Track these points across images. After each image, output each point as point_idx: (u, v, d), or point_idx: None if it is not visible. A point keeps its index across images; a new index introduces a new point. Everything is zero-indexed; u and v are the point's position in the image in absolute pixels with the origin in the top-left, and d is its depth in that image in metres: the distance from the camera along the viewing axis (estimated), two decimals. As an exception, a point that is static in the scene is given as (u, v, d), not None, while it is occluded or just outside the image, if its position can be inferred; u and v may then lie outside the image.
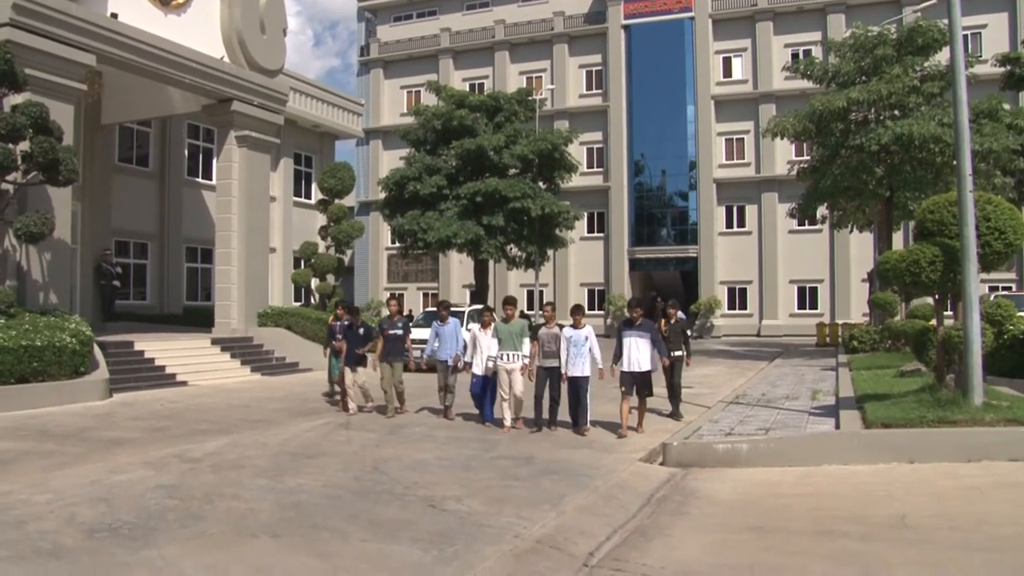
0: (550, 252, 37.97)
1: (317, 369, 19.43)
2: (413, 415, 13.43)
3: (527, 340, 11.96)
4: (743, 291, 49.21)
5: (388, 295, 14.19)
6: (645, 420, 11.82)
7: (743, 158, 49.57)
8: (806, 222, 35.95)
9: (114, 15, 18.89)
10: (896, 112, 25.43)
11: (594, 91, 52.70)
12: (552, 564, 5.88)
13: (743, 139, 49.56)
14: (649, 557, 6.13)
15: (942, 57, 25.53)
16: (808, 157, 30.66)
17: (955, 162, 10.86)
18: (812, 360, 25.40)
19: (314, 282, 26.01)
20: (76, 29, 17.22)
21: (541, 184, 34.53)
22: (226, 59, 21.86)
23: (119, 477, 8.45)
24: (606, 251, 51.25)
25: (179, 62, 19.98)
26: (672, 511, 7.61)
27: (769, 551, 6.24)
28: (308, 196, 32.13)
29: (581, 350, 11.42)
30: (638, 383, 11.40)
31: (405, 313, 41.38)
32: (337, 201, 26.26)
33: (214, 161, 25.66)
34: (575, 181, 41.19)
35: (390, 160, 52.27)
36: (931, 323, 13.88)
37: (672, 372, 13.00)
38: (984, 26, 43.62)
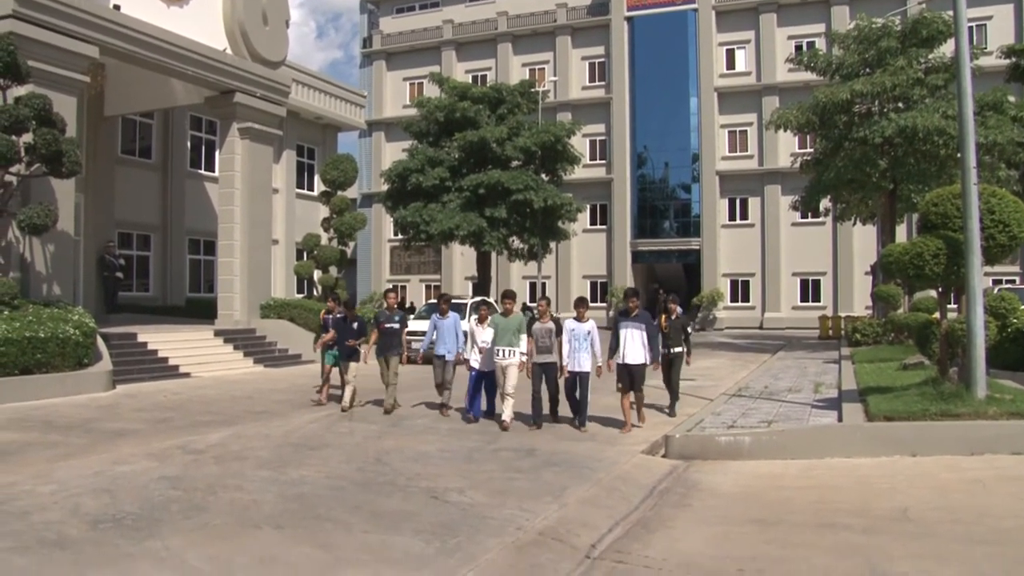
0: (552, 244, 37.96)
1: (320, 361, 19.41)
2: (410, 408, 13.29)
3: (524, 336, 11.60)
4: (746, 284, 49.17)
5: (387, 288, 14.08)
6: (644, 413, 11.63)
7: (746, 150, 49.46)
8: (809, 215, 35.92)
9: (116, 7, 18.86)
10: (900, 104, 25.37)
11: (597, 83, 52.59)
12: (554, 556, 5.90)
13: (746, 131, 49.44)
14: (651, 549, 6.14)
15: (947, 49, 25.39)
16: (811, 149, 30.61)
17: (959, 155, 10.84)
18: (815, 353, 25.40)
19: (317, 274, 26.01)
20: (79, 21, 17.20)
21: (544, 176, 34.44)
22: (229, 51, 21.82)
23: (123, 468, 8.47)
24: (609, 243, 51.22)
25: (182, 54, 19.96)
26: (674, 503, 7.62)
27: (771, 543, 6.25)
28: (311, 188, 32.08)
29: (583, 344, 11.15)
30: (633, 375, 11.08)
31: (407, 306, 41.61)
32: (340, 193, 26.21)
33: (217, 153, 25.65)
34: (578, 173, 41.13)
35: (393, 152, 52.20)
36: (934, 316, 13.90)
37: (671, 369, 12.84)
38: (989, 17, 43.47)
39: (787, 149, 45.45)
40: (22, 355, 14.02)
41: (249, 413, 12.77)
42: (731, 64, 49.99)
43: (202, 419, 12.09)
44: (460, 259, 51.74)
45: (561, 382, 11.54)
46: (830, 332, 35.34)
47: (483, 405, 12.30)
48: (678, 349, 12.92)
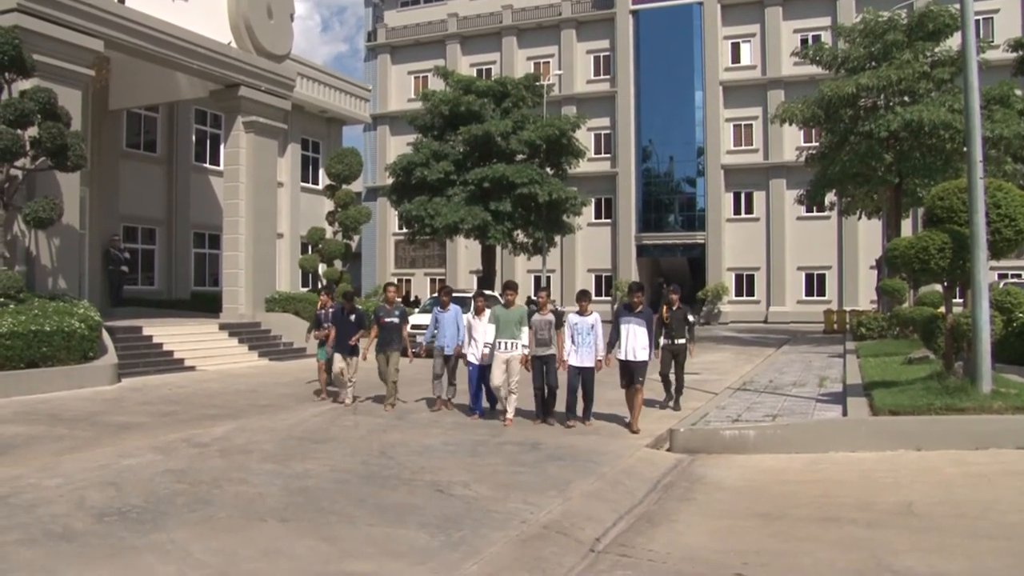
0: (557, 238, 37.93)
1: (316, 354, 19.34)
2: (413, 404, 13.04)
3: (526, 329, 11.32)
4: (751, 278, 49.13)
5: (386, 281, 13.99)
6: (642, 412, 10.98)
7: (751, 144, 49.37)
8: (814, 209, 35.95)
9: (121, 0, 18.87)
10: (906, 98, 25.28)
11: (602, 77, 52.51)
12: (558, 549, 5.90)
13: (751, 125, 49.35)
14: (655, 543, 6.15)
15: (953, 42, 25.31)
16: (817, 143, 30.56)
17: (965, 149, 10.80)
18: (819, 347, 25.37)
19: (321, 267, 26.03)
20: (83, 14, 17.21)
21: (548, 170, 34.44)
22: (233, 44, 21.82)
23: (128, 461, 8.50)
24: (613, 237, 51.17)
25: (186, 48, 19.95)
26: (679, 497, 7.62)
27: (775, 537, 6.25)
28: (315, 182, 32.10)
29: (586, 339, 10.89)
30: (633, 372, 10.72)
31: (412, 299, 41.61)
32: (344, 187, 26.23)
33: (221, 147, 25.66)
34: (582, 167, 41.08)
35: (397, 146, 52.23)
36: (940, 310, 13.84)
37: (675, 361, 12.75)
38: (996, 11, 43.28)
39: (792, 143, 45.34)
40: (28, 348, 14.06)
41: (254, 406, 12.79)
42: (736, 58, 49.88)
43: (207, 412, 12.11)
44: (465, 253, 51.76)
45: (562, 378, 11.13)
46: (835, 326, 35.27)
47: (484, 401, 12.12)
48: (681, 341, 12.76)
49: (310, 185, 31.95)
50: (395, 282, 14.46)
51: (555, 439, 10.04)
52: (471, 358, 11.96)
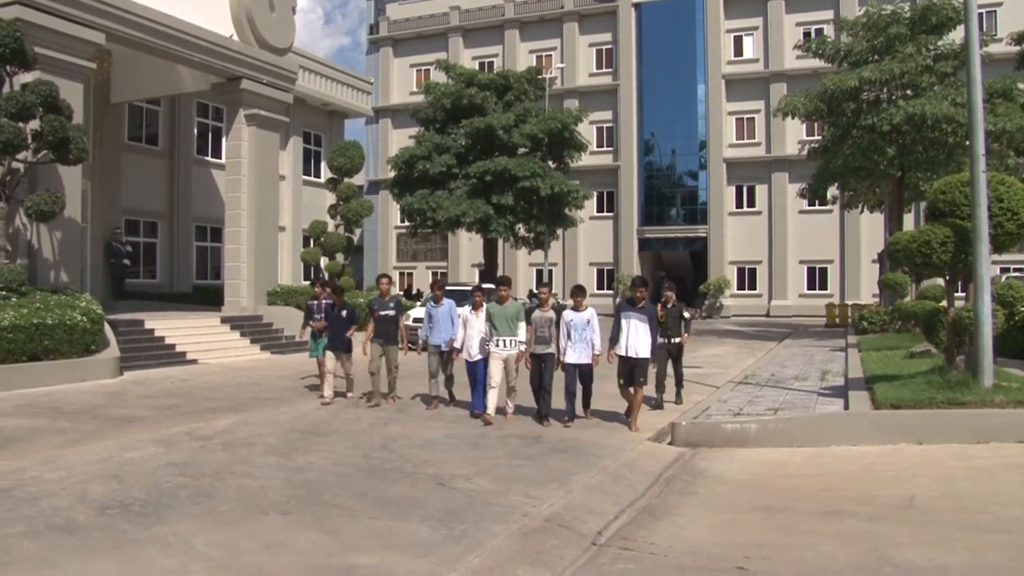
0: (559, 231, 37.93)
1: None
2: (408, 400, 12.66)
3: (523, 324, 10.95)
4: (752, 271, 49.08)
5: (380, 273, 13.86)
6: (639, 412, 10.63)
7: (753, 138, 49.27)
8: (816, 202, 35.82)
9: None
10: (909, 92, 25.24)
11: (604, 70, 52.38)
12: (560, 543, 5.91)
13: (754, 118, 49.24)
14: (657, 536, 6.15)
15: (956, 36, 25.26)
16: (819, 137, 30.48)
17: (968, 142, 10.78)
18: (821, 341, 25.37)
19: (323, 261, 26.04)
20: (85, 7, 17.19)
21: (550, 163, 34.42)
22: (235, 37, 21.79)
23: (130, 454, 8.51)
24: (615, 231, 51.11)
25: (188, 40, 19.93)
26: (680, 490, 7.63)
27: (777, 531, 6.25)
28: (317, 175, 32.08)
29: (583, 335, 10.56)
30: (634, 370, 10.33)
31: (414, 293, 41.61)
32: (346, 180, 26.21)
33: (223, 140, 25.66)
34: (584, 160, 41.03)
35: (399, 139, 52.19)
36: (941, 304, 13.84)
37: (672, 359, 12.57)
38: (999, 4, 43.09)
39: (795, 136, 45.23)
40: (30, 342, 14.07)
41: (256, 400, 12.80)
42: (739, 51, 49.75)
43: (209, 406, 12.13)
44: (467, 246, 51.74)
45: (559, 376, 10.77)
46: (837, 320, 35.27)
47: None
48: (677, 340, 12.56)
49: (312, 178, 31.92)
50: (388, 273, 13.77)
51: (557, 433, 10.05)
52: (465, 355, 11.49)
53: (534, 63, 46.16)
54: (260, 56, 22.25)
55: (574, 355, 10.63)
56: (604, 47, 52.44)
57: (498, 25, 54.74)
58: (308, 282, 27.20)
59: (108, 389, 13.91)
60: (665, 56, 50.06)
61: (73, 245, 17.61)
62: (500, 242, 36.27)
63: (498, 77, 34.83)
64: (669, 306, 12.50)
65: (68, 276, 17.27)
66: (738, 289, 49.19)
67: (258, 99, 22.38)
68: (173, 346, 18.34)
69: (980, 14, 32.00)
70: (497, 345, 10.92)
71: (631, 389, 10.40)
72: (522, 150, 33.39)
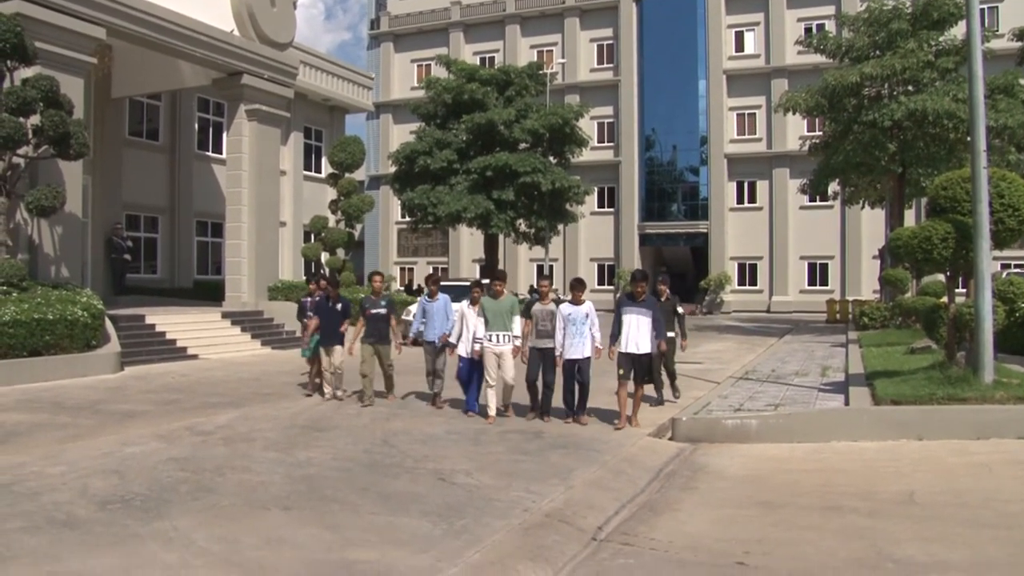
0: (560, 227, 37.90)
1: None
2: (400, 400, 12.28)
3: (518, 319, 10.73)
4: (753, 267, 49.07)
5: (372, 270, 13.66)
6: (639, 413, 10.43)
7: (755, 133, 49.24)
8: (817, 198, 35.79)
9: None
10: (910, 87, 25.21)
11: (605, 65, 52.33)
12: (561, 538, 5.91)
13: (755, 114, 49.20)
14: (658, 531, 6.16)
15: (958, 31, 25.20)
16: (820, 133, 30.46)
17: (969, 138, 10.77)
18: (822, 336, 25.37)
19: (324, 256, 26.04)
20: (85, 2, 17.14)
21: (551, 159, 34.40)
22: (236, 32, 21.76)
23: (131, 449, 8.52)
24: (616, 226, 51.10)
25: (189, 35, 19.91)
26: (681, 486, 7.63)
27: (777, 526, 6.26)
28: (318, 170, 32.06)
29: (581, 329, 10.24)
30: (636, 366, 10.05)
31: (415, 288, 41.56)
32: (347, 175, 26.21)
33: (224, 135, 25.63)
34: (585, 156, 41.02)
35: (400, 134, 52.12)
36: (942, 300, 13.86)
37: (666, 357, 11.98)
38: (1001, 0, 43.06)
39: (796, 132, 45.17)
40: (31, 337, 14.08)
41: (257, 395, 12.81)
42: (740, 46, 49.68)
43: (210, 401, 12.13)
44: (468, 242, 51.75)
45: (558, 370, 10.52)
46: (837, 316, 35.25)
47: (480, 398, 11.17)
48: (671, 334, 12.09)
49: (313, 173, 31.92)
50: (380, 271, 13.36)
51: (557, 428, 10.06)
52: (461, 351, 11.16)
53: (535, 58, 46.15)
54: (261, 51, 22.22)
55: (572, 350, 10.31)
56: (605, 42, 52.38)
57: (499, 20, 54.68)
58: (304, 279, 27.21)
59: (109, 384, 13.92)
60: (666, 51, 50.01)
61: (74, 240, 17.61)
62: (501, 238, 36.24)
63: (499, 72, 34.80)
64: (663, 300, 12.05)
65: (69, 271, 17.27)
66: (739, 285, 49.19)
67: (259, 94, 22.35)
68: (174, 341, 18.35)
69: (982, 9, 31.92)
70: (491, 340, 10.66)
71: (629, 384, 10.09)
72: (523, 145, 33.37)
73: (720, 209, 48.99)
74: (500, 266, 36.81)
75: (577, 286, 10.62)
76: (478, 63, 44.44)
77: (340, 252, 25.89)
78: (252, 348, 20.07)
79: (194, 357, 18.09)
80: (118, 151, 24.11)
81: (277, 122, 23.61)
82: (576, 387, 10.48)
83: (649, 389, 11.48)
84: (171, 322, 18.98)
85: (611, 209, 51.43)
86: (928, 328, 13.49)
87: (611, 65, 51.99)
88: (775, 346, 22.08)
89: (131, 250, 24.29)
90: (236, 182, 22.52)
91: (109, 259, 23.36)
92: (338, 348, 12.27)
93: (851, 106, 25.89)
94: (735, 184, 49.52)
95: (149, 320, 18.67)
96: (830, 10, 46.39)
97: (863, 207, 34.15)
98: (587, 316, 10.33)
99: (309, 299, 13.53)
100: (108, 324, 16.16)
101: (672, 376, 12.49)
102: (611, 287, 49.31)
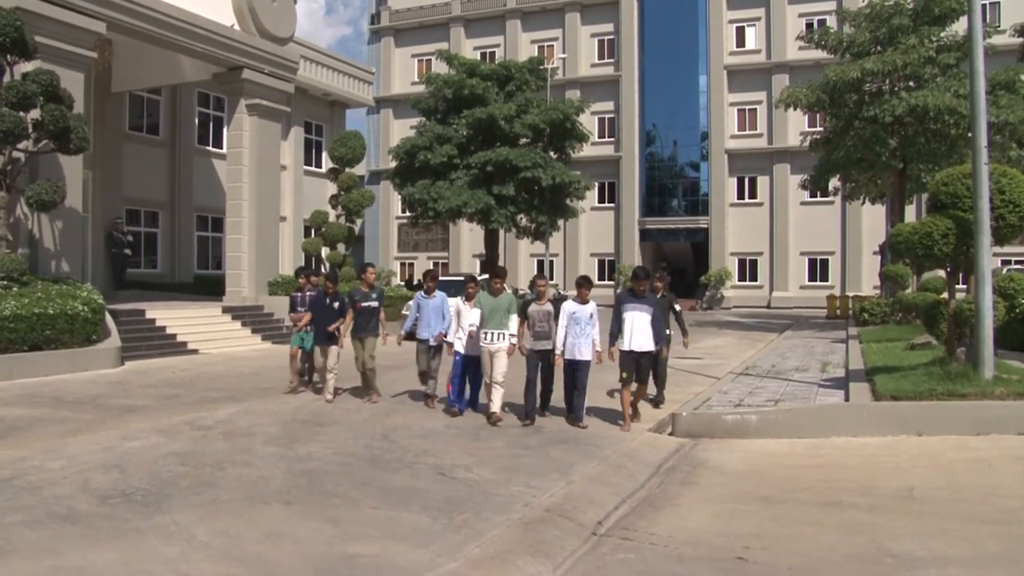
0: (560, 222, 37.88)
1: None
2: (390, 398, 11.94)
3: (514, 317, 10.33)
4: (754, 263, 49.04)
5: (365, 262, 13.48)
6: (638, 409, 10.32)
7: (755, 129, 49.17)
8: (818, 194, 35.80)
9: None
10: (911, 83, 25.18)
11: (606, 60, 52.24)
12: (561, 533, 5.92)
13: (756, 109, 49.13)
14: (657, 526, 6.17)
15: (959, 27, 25.19)
16: (821, 128, 30.44)
17: (970, 134, 10.77)
18: (822, 332, 25.38)
19: (324, 251, 26.05)
20: (86, -4, 17.16)
21: (552, 154, 34.37)
22: (236, 27, 21.74)
23: (132, 444, 8.53)
24: (617, 221, 51.06)
25: (189, 30, 19.89)
26: (681, 481, 7.64)
27: (777, 521, 6.27)
28: (318, 165, 32.08)
29: (585, 329, 9.90)
30: (640, 365, 9.81)
31: (415, 283, 41.58)
32: (347, 170, 26.21)
33: (225, 129, 25.62)
34: (586, 151, 40.97)
35: (400, 129, 52.08)
36: (943, 296, 13.83)
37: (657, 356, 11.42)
38: (1003, -5, 42.99)
39: (796, 128, 45.19)
40: (31, 331, 14.08)
41: (257, 389, 12.81)
42: (741, 42, 49.59)
43: (210, 395, 12.14)
44: (468, 237, 51.73)
45: (557, 371, 10.31)
46: (838, 312, 35.27)
47: (480, 397, 10.90)
48: (667, 331, 11.61)
49: (313, 168, 31.93)
50: (373, 263, 12.74)
51: (558, 423, 10.05)
52: (458, 346, 10.81)
53: (536, 53, 45.92)
54: (261, 46, 22.21)
55: (574, 350, 9.98)
56: (606, 37, 52.27)
57: (500, 15, 54.57)
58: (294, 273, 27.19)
59: (109, 379, 13.93)
60: (667, 47, 49.91)
61: (74, 235, 17.62)
62: (501, 232, 36.26)
63: (500, 67, 34.76)
64: (659, 296, 11.36)
65: (69, 266, 17.27)
66: (739, 280, 49.14)
67: (259, 89, 22.34)
68: (174, 336, 18.35)
69: (983, 5, 31.88)
70: (485, 338, 10.28)
71: (633, 385, 9.85)
72: (523, 140, 33.36)
73: (720, 205, 48.96)
74: (500, 261, 36.78)
75: (584, 284, 10.25)
76: (479, 58, 44.46)
77: (340, 247, 25.89)
78: (252, 343, 20.08)
79: (194, 352, 18.10)
80: (118, 146, 24.12)
81: (277, 117, 23.61)
82: (575, 391, 10.17)
83: (649, 389, 11.21)
84: (171, 317, 18.98)
85: (612, 204, 51.39)
86: (928, 324, 13.48)
87: (612, 60, 51.89)
88: (775, 342, 22.09)
89: (131, 245, 24.31)
90: (236, 177, 22.52)
91: (109, 254, 23.38)
92: (333, 348, 11.75)
93: (852, 102, 25.86)
94: (736, 180, 49.46)
95: (149, 315, 18.68)
96: (831, 5, 46.33)
97: (864, 203, 34.15)
98: (591, 316, 10.01)
99: (299, 294, 13.21)
100: (108, 319, 16.17)
101: (662, 382, 11.83)
102: (611, 282, 49.27)
